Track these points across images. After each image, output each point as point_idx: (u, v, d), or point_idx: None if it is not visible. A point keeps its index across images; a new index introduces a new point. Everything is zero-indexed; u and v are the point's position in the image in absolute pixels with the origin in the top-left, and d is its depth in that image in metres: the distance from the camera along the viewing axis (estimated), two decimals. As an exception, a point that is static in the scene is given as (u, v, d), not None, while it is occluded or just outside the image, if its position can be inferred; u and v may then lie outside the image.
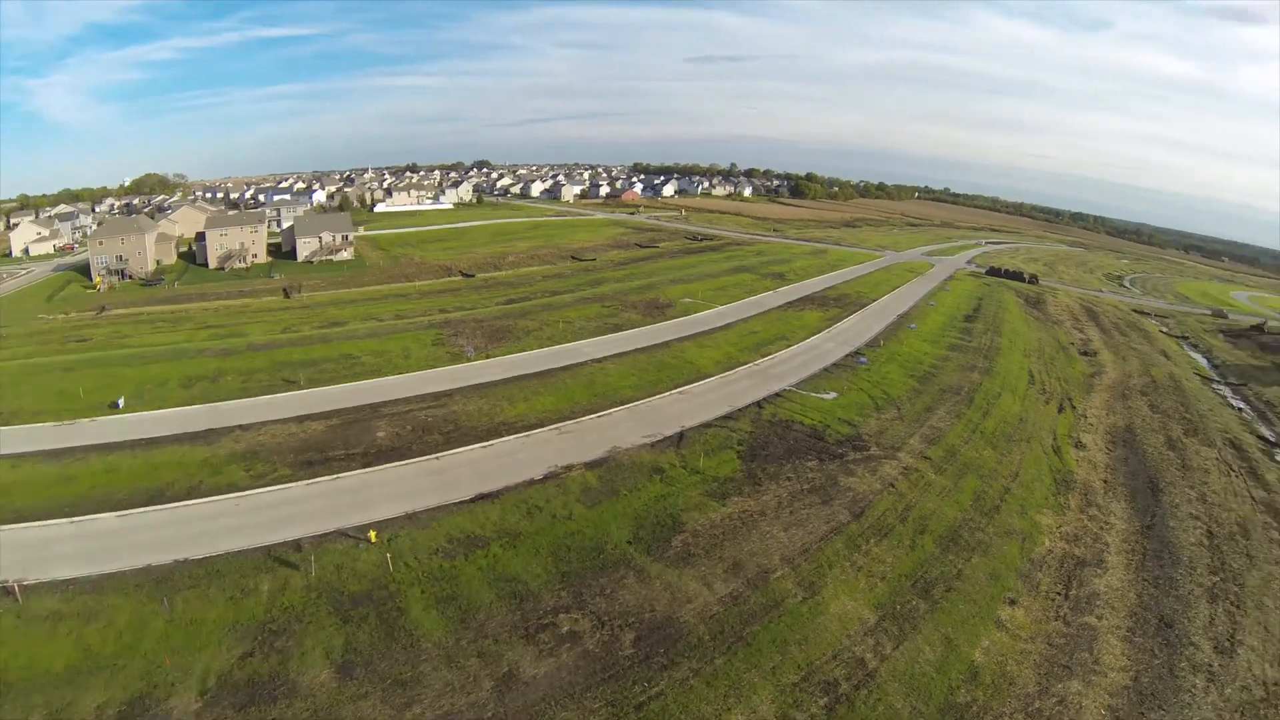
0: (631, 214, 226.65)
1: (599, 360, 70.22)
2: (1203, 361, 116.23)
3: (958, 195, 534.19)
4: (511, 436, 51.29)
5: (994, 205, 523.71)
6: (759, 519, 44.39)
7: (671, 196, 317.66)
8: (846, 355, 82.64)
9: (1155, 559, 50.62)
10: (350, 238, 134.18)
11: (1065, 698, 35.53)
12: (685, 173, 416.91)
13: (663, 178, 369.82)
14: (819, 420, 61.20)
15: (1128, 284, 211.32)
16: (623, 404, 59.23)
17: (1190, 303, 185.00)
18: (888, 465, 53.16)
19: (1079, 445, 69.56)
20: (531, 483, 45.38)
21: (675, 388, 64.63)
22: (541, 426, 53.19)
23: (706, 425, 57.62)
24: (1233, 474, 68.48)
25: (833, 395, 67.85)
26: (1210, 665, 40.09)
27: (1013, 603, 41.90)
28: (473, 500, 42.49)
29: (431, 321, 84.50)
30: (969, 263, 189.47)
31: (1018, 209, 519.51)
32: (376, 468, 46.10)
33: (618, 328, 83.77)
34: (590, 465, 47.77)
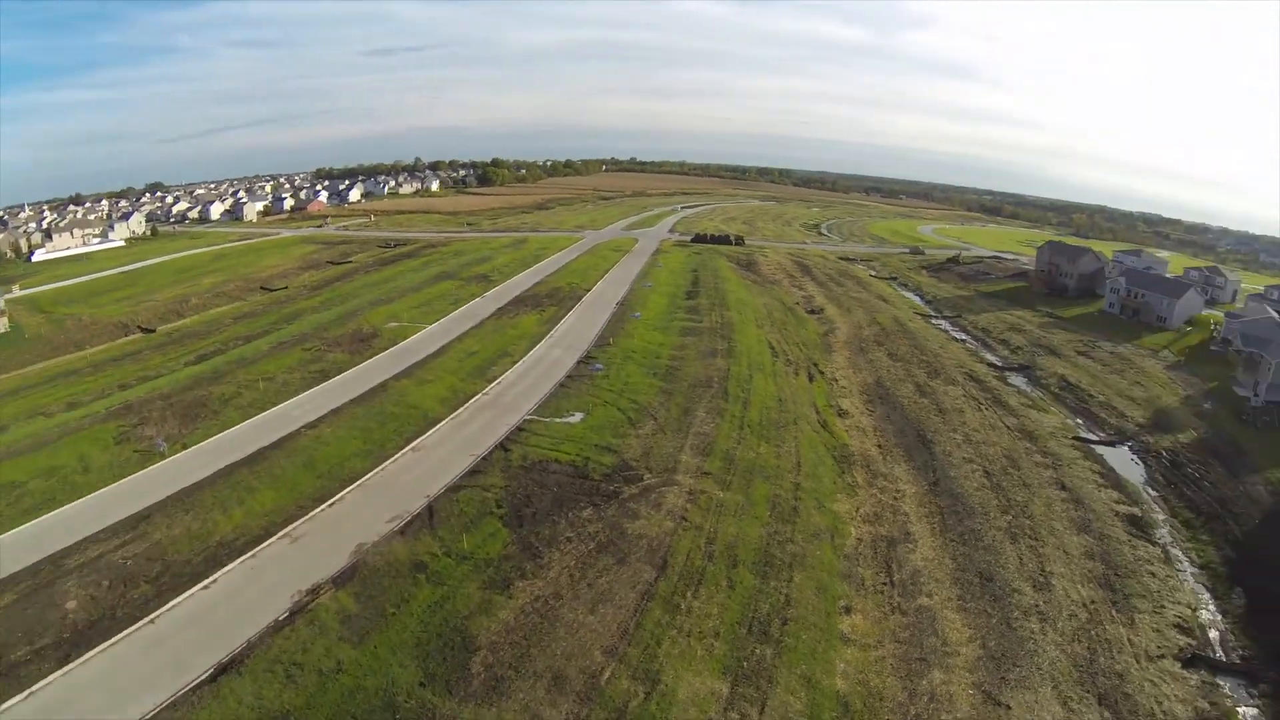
0: (319, 227, 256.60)
1: (313, 425, 72.55)
2: (916, 299, 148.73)
3: (645, 163, 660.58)
4: (236, 564, 50.02)
5: (682, 169, 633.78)
6: (556, 605, 42.99)
7: (358, 202, 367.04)
8: (578, 362, 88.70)
9: (953, 515, 61.55)
10: (1, 304, 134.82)
11: (934, 693, 40.56)
12: (370, 173, 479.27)
13: (348, 182, 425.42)
14: (576, 452, 62.88)
15: (825, 231, 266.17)
16: (353, 481, 60.44)
17: (887, 243, 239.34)
18: (670, 494, 56.07)
19: (842, 414, 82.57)
20: (278, 626, 43.79)
21: (406, 444, 66.90)
22: (269, 537, 52.57)
23: (455, 488, 57.77)
24: (983, 407, 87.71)
25: (579, 417, 71.03)
26: (1037, 606, 49.60)
27: (848, 610, 46.74)
28: (214, 677, 39.93)
29: (110, 408, 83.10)
30: (671, 231, 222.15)
31: (705, 170, 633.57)
32: (78, 663, 41.89)
33: (325, 374, 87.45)
34: (340, 580, 46.89)
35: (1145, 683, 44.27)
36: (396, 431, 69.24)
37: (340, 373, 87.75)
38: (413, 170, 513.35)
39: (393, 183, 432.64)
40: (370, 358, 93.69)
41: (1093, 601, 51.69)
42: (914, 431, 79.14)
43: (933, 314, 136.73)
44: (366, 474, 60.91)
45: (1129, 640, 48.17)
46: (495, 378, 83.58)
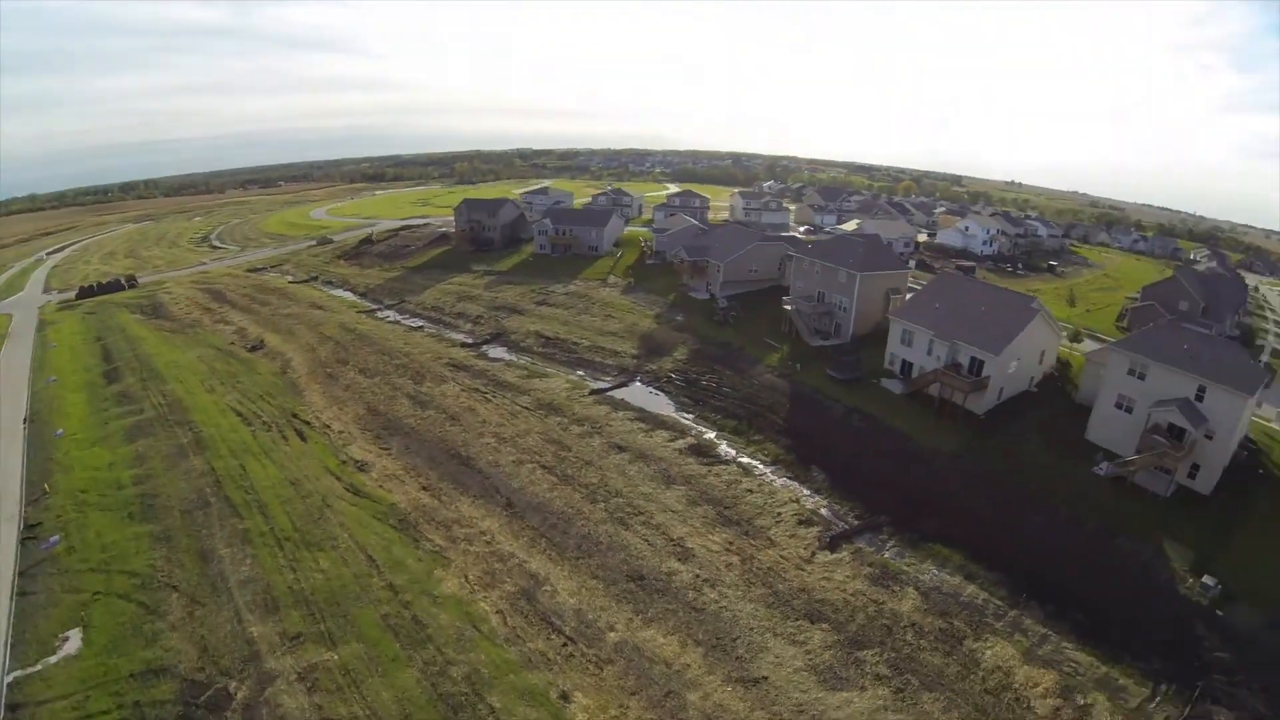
0: None
1: None
2: (350, 296, 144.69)
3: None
4: None
5: (34, 204, 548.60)
6: None
7: None
8: (21, 542, 62.55)
9: (555, 531, 62.79)
10: None
11: (705, 714, 43.47)
12: None
13: None
14: (115, 704, 43.50)
15: (218, 242, 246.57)
16: None
17: (289, 238, 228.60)
18: (283, 695, 44.00)
19: (362, 467, 75.46)
20: None
21: None
22: None
23: None
24: (489, 396, 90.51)
25: (77, 638, 50.97)
26: (698, 575, 55.68)
27: (566, 697, 45.27)
28: None
29: None
30: (47, 291, 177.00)
31: (62, 199, 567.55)
32: None
33: None
34: None
35: (821, 582, 54.96)
36: None
37: None
38: None
39: None
40: None
41: (731, 544, 60.07)
42: (445, 455, 77.65)
43: (375, 307, 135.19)
44: None
45: (782, 557, 58.16)
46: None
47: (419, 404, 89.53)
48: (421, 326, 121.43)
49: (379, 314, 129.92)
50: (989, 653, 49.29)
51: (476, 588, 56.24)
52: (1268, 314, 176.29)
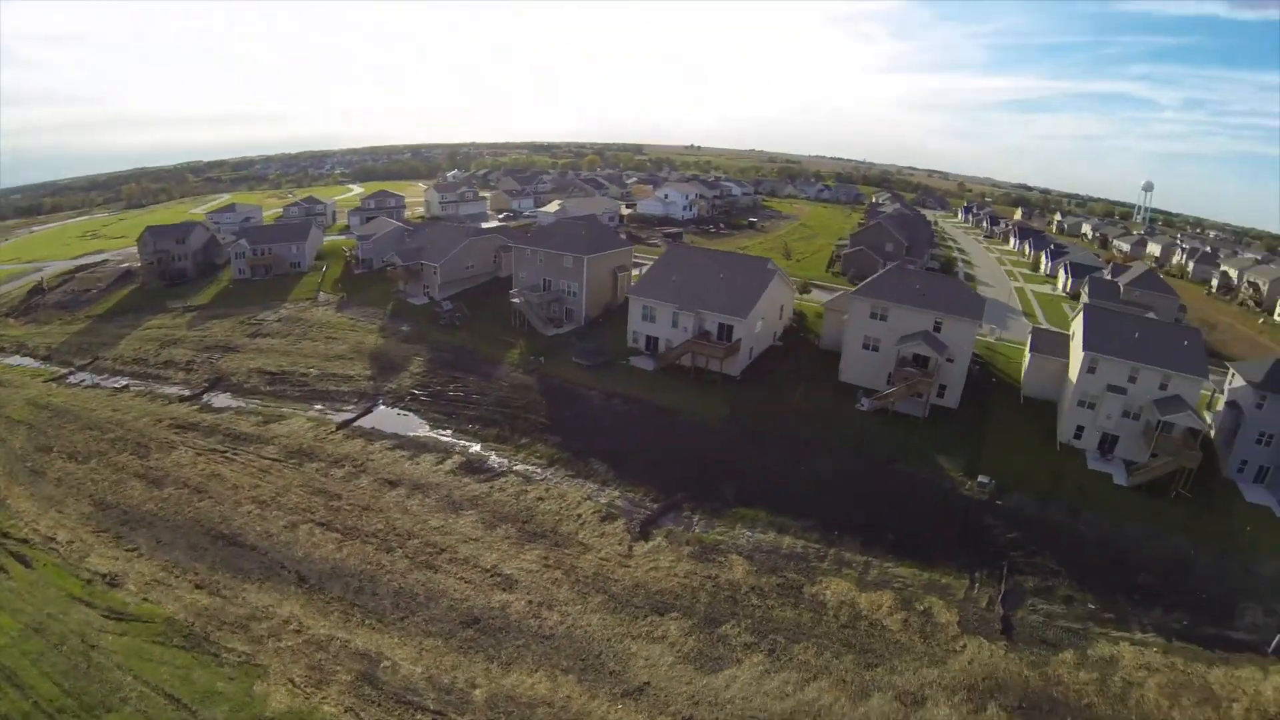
0: None
1: None
2: (32, 362, 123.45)
3: None
4: None
5: None
6: None
7: None
8: None
9: (357, 593, 57.57)
10: None
11: None
12: None
13: None
14: None
15: None
16: None
17: None
18: None
19: (112, 582, 58.79)
20: None
21: None
22: None
23: None
24: (229, 454, 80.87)
25: None
26: (530, 601, 55.47)
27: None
28: None
29: None
30: None
31: None
32: None
33: None
34: None
35: (650, 573, 57.29)
36: None
37: None
38: None
39: None
40: None
41: (546, 559, 59.90)
42: (207, 537, 66.89)
43: (65, 371, 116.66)
44: None
45: (602, 559, 59.47)
46: None
47: (153, 483, 76.57)
48: (127, 386, 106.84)
49: (72, 379, 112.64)
50: (829, 592, 55.20)
51: (309, 690, 48.54)
52: (951, 244, 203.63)
